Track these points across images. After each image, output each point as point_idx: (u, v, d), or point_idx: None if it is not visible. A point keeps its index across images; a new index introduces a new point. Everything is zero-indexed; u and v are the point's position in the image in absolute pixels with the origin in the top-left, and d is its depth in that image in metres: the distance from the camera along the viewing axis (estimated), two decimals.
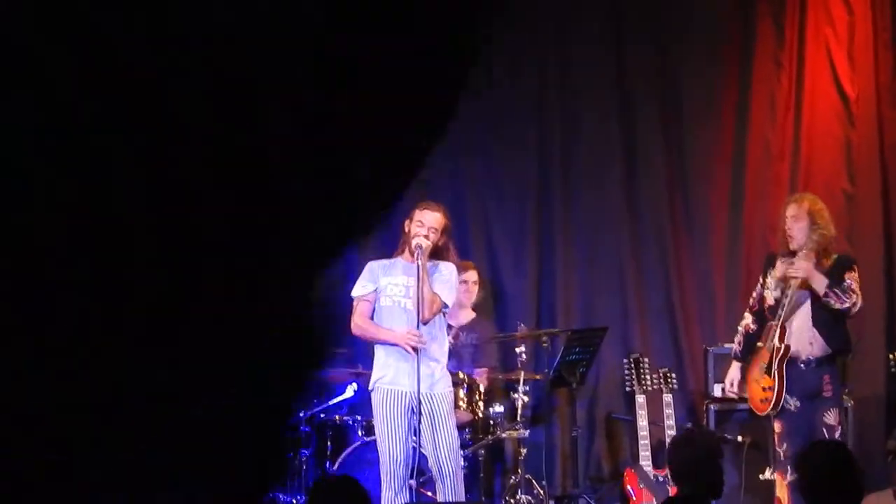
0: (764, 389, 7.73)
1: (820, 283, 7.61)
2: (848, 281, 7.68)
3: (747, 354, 7.92)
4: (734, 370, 7.99)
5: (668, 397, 8.88)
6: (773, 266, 7.85)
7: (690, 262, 9.80)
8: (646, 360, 9.06)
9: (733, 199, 9.78)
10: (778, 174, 9.72)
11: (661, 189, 9.84)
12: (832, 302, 7.61)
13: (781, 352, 7.63)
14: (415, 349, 7.16)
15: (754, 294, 8.00)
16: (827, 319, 7.68)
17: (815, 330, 7.67)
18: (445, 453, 7.21)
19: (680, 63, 9.89)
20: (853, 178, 9.68)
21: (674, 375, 9.02)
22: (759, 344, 7.79)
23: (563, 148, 9.86)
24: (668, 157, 9.86)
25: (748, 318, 7.99)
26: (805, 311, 7.70)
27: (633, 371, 8.97)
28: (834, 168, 9.70)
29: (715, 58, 9.90)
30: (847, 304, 7.63)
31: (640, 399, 8.88)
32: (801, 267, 7.63)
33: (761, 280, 7.96)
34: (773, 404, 7.66)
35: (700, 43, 9.90)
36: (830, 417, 7.66)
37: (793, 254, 7.75)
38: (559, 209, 9.83)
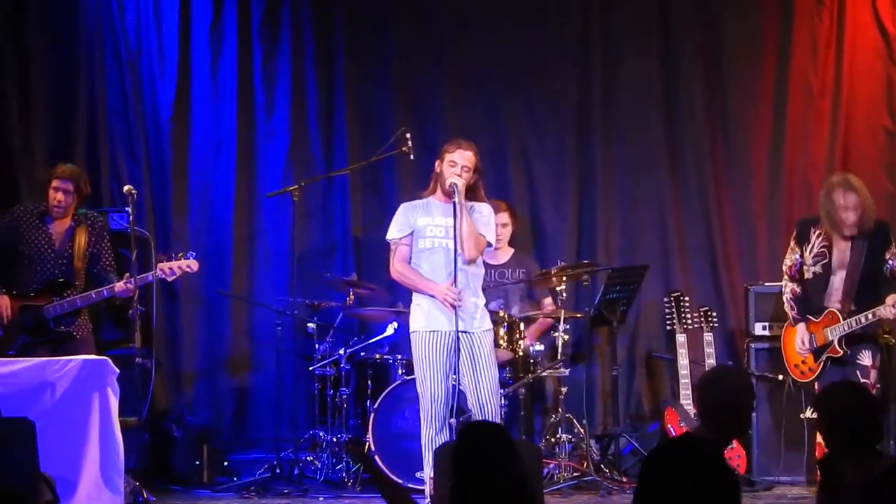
0: (803, 362, 7.78)
1: None
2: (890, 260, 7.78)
3: (805, 313, 7.89)
4: (802, 331, 7.91)
5: (708, 336, 8.89)
6: (808, 240, 7.84)
7: (731, 200, 9.76)
8: (686, 298, 9.05)
9: (774, 137, 9.72)
10: (819, 112, 9.68)
11: (702, 127, 9.80)
12: None
13: (839, 354, 7.74)
14: (453, 306, 7.06)
15: (789, 262, 7.98)
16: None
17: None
18: (487, 392, 7.13)
19: (721, 2, 9.84)
20: (894, 115, 9.63)
21: (714, 314, 9.00)
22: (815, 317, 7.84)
23: (604, 88, 9.84)
24: (709, 95, 9.81)
25: (792, 284, 7.93)
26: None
27: (673, 309, 8.96)
28: (875, 105, 9.66)
29: None
30: None
31: (681, 338, 8.87)
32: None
33: (795, 247, 7.94)
34: (807, 381, 7.83)
35: None
36: (864, 358, 7.66)
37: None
38: (600, 148, 9.80)
